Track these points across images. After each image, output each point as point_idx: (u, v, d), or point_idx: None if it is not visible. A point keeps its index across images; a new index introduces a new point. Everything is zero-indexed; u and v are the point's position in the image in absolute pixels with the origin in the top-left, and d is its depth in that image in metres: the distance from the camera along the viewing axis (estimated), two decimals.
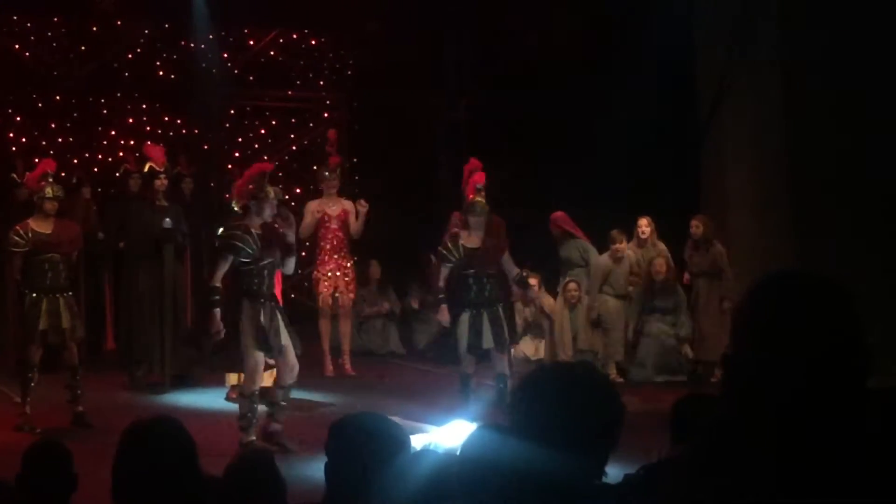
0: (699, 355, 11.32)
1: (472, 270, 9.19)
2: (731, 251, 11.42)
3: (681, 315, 11.43)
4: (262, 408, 8.22)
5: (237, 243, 8.05)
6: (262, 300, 8.06)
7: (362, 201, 11.40)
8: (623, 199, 12.04)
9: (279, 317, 8.13)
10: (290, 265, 8.45)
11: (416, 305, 13.53)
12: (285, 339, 8.13)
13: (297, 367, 8.28)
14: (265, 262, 8.11)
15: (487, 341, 9.12)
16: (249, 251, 8.04)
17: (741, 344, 1.97)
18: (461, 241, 9.21)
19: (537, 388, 2.45)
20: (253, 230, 8.11)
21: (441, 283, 9.44)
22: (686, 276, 11.61)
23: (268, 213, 8.20)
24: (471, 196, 9.34)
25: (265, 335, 7.99)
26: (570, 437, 2.32)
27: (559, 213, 11.89)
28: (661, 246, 11.68)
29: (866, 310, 1.98)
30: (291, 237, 8.43)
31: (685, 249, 11.52)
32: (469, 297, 9.20)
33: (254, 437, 8.00)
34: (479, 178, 9.68)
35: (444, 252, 9.28)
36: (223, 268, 8.13)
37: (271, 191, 8.28)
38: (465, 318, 9.15)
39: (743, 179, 12.28)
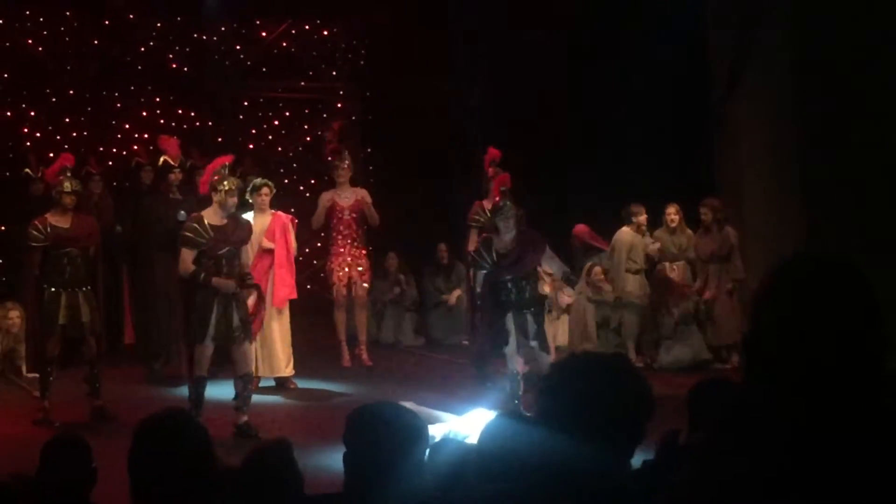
0: (714, 340, 11.30)
1: (508, 277, 9.09)
2: (744, 234, 11.38)
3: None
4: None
5: (189, 234, 8.39)
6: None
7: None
8: (636, 186, 11.99)
9: (234, 304, 8.42)
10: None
11: (445, 262, 13.50)
12: (235, 324, 8.44)
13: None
14: (221, 251, 8.42)
15: (532, 340, 9.08)
16: (202, 241, 8.35)
17: (760, 327, 1.97)
18: (494, 248, 9.08)
19: (570, 376, 2.43)
20: (207, 221, 8.38)
21: (471, 248, 9.46)
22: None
23: (230, 204, 8.47)
24: (497, 198, 9.24)
25: (207, 325, 8.32)
26: (597, 428, 2.31)
27: (582, 227, 11.87)
28: (689, 232, 11.63)
29: (878, 292, 1.97)
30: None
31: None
32: (510, 299, 9.10)
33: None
34: (504, 180, 9.61)
35: (478, 259, 9.21)
36: (187, 259, 8.42)
37: (231, 182, 8.53)
38: (509, 319, 9.08)
39: (755, 164, 12.21)
